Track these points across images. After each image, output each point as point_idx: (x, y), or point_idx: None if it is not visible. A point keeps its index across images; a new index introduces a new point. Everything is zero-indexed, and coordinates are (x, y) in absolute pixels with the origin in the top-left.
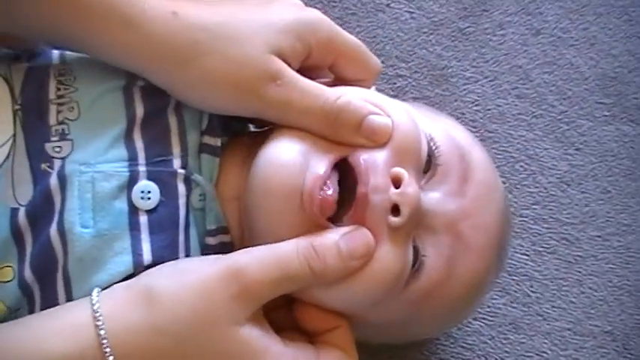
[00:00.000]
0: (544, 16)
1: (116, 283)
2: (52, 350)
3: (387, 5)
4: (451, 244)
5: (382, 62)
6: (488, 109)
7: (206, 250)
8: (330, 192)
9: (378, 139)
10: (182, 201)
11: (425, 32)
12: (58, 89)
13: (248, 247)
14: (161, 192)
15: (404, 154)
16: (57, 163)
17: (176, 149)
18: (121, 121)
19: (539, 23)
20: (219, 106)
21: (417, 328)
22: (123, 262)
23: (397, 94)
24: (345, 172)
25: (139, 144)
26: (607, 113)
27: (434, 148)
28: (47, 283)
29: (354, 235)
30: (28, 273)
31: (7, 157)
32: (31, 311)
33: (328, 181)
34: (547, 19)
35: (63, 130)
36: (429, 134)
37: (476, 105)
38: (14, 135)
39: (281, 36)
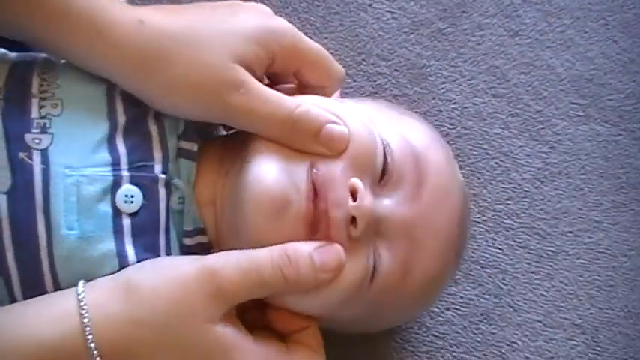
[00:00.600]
0: (522, 19)
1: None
2: (35, 335)
3: (369, 5)
4: (406, 249)
5: (363, 60)
6: (466, 107)
7: (184, 250)
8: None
9: (335, 148)
10: (163, 205)
11: (405, 32)
12: (42, 85)
13: (224, 247)
14: (144, 196)
15: (360, 164)
16: (36, 155)
17: (157, 155)
18: (103, 125)
19: (517, 25)
20: (187, 112)
21: (380, 321)
22: (110, 263)
23: (377, 91)
24: None
25: (122, 149)
26: (581, 114)
27: (389, 155)
28: (32, 279)
29: (327, 249)
30: (12, 266)
31: None
32: (12, 300)
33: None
34: (525, 21)
35: (45, 124)
36: (385, 141)
37: (453, 103)
38: None
39: (245, 44)
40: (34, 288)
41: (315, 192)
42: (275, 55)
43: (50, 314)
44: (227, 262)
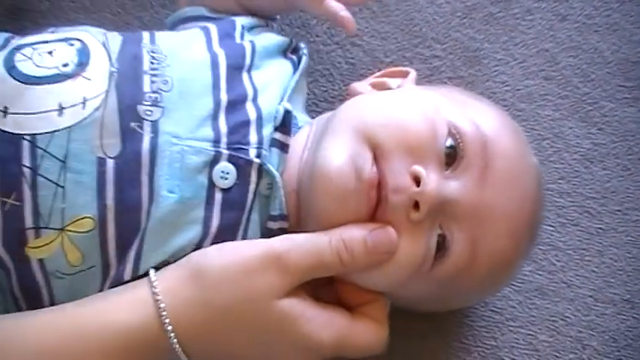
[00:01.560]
0: (570, 3)
1: (183, 252)
2: (117, 322)
3: None
4: (473, 230)
5: (419, 44)
6: (518, 90)
7: (266, 234)
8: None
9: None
10: (252, 187)
11: (459, 16)
12: (152, 62)
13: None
14: (237, 175)
15: (419, 153)
16: (146, 125)
17: (253, 139)
18: (208, 103)
19: (565, 10)
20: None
21: (449, 303)
22: (194, 230)
23: (433, 73)
24: None
25: (223, 128)
26: (628, 96)
27: (457, 138)
28: (127, 235)
29: (379, 232)
30: (111, 224)
31: (97, 109)
32: (105, 270)
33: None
34: (573, 5)
35: (156, 98)
36: (453, 124)
37: (506, 85)
38: (107, 91)
39: None
40: (123, 249)
41: (378, 180)
42: None
43: (129, 302)
44: (289, 245)
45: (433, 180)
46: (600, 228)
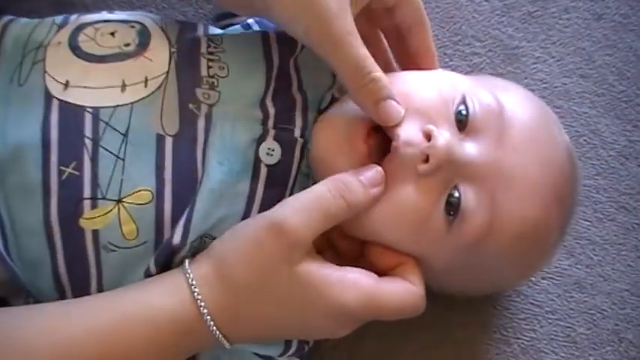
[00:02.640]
0: (606, 2)
1: (224, 223)
2: (157, 305)
3: None
4: (491, 191)
5: (459, 41)
6: (555, 87)
7: None
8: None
9: (386, 121)
10: (295, 165)
11: (498, 14)
12: (209, 47)
13: None
14: (282, 153)
15: (432, 116)
16: (203, 107)
17: (298, 122)
18: (260, 89)
19: (601, 9)
20: (292, 26)
21: (485, 278)
22: (239, 203)
23: (473, 70)
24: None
25: (272, 111)
26: None
27: (471, 105)
28: (181, 208)
29: (366, 168)
30: (167, 198)
31: (159, 87)
32: (156, 248)
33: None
34: (609, 5)
35: (213, 82)
36: (466, 93)
37: (544, 83)
38: (167, 72)
39: None
40: (175, 221)
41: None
42: None
43: (165, 288)
44: (290, 210)
45: (445, 136)
46: (636, 223)
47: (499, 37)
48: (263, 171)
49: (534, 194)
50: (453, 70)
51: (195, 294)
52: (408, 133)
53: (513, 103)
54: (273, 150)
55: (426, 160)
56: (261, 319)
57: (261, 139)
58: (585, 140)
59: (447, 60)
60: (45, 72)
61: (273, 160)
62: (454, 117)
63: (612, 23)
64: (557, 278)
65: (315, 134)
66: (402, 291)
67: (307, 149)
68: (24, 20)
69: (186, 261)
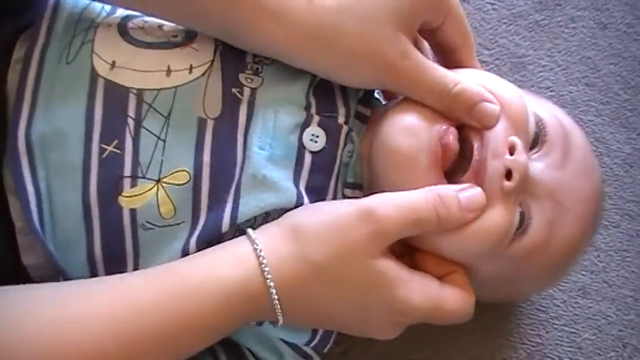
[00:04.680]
0: (611, 12)
1: (277, 209)
2: (221, 277)
3: None
4: (552, 211)
5: None
6: (561, 95)
7: None
8: (451, 138)
9: (486, 123)
10: (339, 152)
11: (505, 23)
12: None
13: None
14: (326, 140)
15: (516, 127)
16: (246, 91)
17: (341, 110)
18: (303, 79)
19: (606, 18)
20: (356, 80)
21: (518, 288)
22: (288, 190)
23: None
24: (462, 140)
25: (313, 100)
26: None
27: (541, 125)
28: (218, 191)
29: (471, 190)
30: (205, 180)
31: (203, 74)
32: (193, 227)
33: (451, 135)
34: (614, 14)
35: (257, 68)
36: (536, 113)
37: (550, 91)
38: (212, 61)
39: (405, 6)
40: (217, 203)
41: (470, 143)
42: (428, 6)
43: (231, 258)
44: (384, 201)
45: (525, 153)
46: None
47: (506, 45)
48: (307, 158)
49: (584, 218)
50: None
51: (263, 265)
52: (497, 142)
53: (570, 125)
54: (317, 136)
55: (508, 174)
56: (324, 303)
57: (305, 125)
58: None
59: None
60: (93, 52)
61: (317, 147)
62: (532, 134)
63: (617, 32)
64: (563, 284)
65: (388, 135)
66: (459, 298)
67: (350, 137)
68: (72, 1)
69: (249, 230)
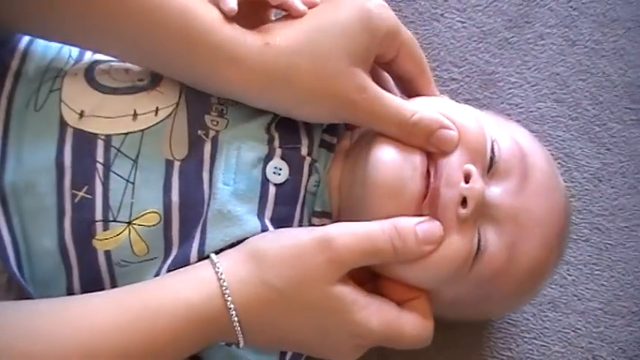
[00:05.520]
0: (579, 29)
1: (242, 240)
2: (182, 299)
3: (441, 15)
4: (511, 234)
5: (437, 67)
6: (531, 112)
7: None
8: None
9: (445, 149)
10: (304, 183)
11: (475, 40)
12: None
13: None
14: (289, 171)
15: (472, 153)
16: (211, 133)
17: (304, 140)
18: (267, 114)
19: (575, 35)
20: (316, 118)
21: (486, 308)
22: (251, 222)
23: (451, 96)
24: None
25: (276, 133)
26: (634, 117)
27: (496, 149)
28: (188, 228)
29: (429, 224)
30: (175, 218)
31: (169, 116)
32: (165, 259)
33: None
34: (582, 31)
35: (222, 109)
36: (493, 137)
37: (519, 107)
38: (177, 103)
39: (356, 41)
40: (186, 239)
41: (429, 172)
42: (381, 40)
43: (193, 281)
44: (342, 231)
45: (480, 180)
46: (609, 244)
47: (476, 62)
48: (271, 190)
49: (546, 238)
50: None
51: (224, 288)
52: (451, 170)
53: (529, 147)
54: (280, 169)
55: (464, 202)
56: (284, 326)
57: (267, 159)
58: (560, 163)
59: None
60: (61, 101)
61: (280, 179)
62: (488, 159)
63: (586, 49)
64: (533, 298)
65: (374, 171)
66: (417, 324)
67: (314, 168)
68: (43, 44)
69: (212, 254)
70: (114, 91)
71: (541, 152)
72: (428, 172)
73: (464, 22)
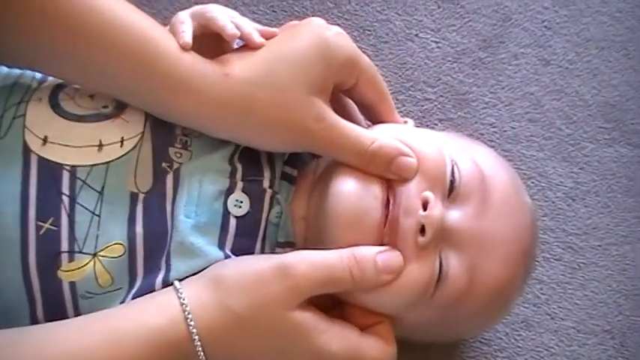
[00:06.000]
0: (553, 49)
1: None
2: (146, 323)
3: (416, 35)
4: (472, 257)
5: (411, 87)
6: (504, 131)
7: None
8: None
9: (405, 176)
10: (264, 215)
11: (449, 60)
12: None
13: None
14: (250, 204)
15: (431, 180)
16: (175, 165)
17: (267, 173)
18: (229, 147)
19: (549, 55)
20: (275, 147)
21: (453, 330)
22: (212, 251)
23: (424, 115)
24: None
25: (239, 165)
26: (607, 137)
27: (457, 173)
28: (153, 259)
29: (389, 254)
30: (139, 250)
31: (134, 147)
32: (130, 290)
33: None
34: (556, 51)
35: (186, 141)
36: (453, 160)
37: (493, 127)
38: (143, 133)
39: (313, 71)
40: (150, 272)
41: (388, 201)
42: (339, 69)
43: (156, 307)
44: (301, 259)
45: (439, 206)
46: (582, 262)
47: (450, 82)
48: (232, 223)
49: (508, 258)
50: (405, 115)
51: (186, 313)
52: (409, 199)
53: (490, 169)
54: (241, 202)
55: (422, 229)
56: (246, 350)
57: (229, 192)
58: (533, 182)
59: (400, 105)
60: (25, 127)
61: (241, 212)
62: (448, 184)
63: (559, 69)
64: (506, 317)
65: (334, 202)
66: (378, 348)
67: (276, 200)
68: (5, 70)
69: (176, 281)
70: (79, 118)
71: (503, 173)
72: (388, 200)
73: (438, 42)
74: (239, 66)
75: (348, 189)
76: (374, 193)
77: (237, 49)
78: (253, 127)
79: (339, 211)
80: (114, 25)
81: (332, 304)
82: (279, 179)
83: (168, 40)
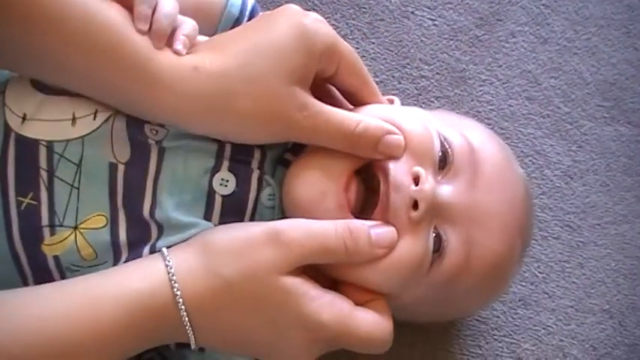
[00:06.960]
0: (551, 27)
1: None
2: (130, 287)
3: (412, 13)
4: (467, 231)
5: (407, 64)
6: (501, 109)
7: None
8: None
9: (393, 155)
10: (252, 195)
11: (445, 38)
12: None
13: None
14: (237, 184)
15: (419, 155)
16: (155, 140)
17: (257, 155)
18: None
19: (547, 33)
20: (258, 140)
21: (452, 308)
22: (202, 222)
23: (420, 93)
24: (371, 175)
25: (228, 145)
26: (606, 115)
27: (447, 147)
28: (137, 230)
29: (383, 228)
30: (122, 222)
31: (107, 120)
32: (116, 263)
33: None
34: (554, 29)
35: None
36: (442, 135)
37: (490, 105)
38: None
39: (292, 59)
40: (135, 247)
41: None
42: (319, 57)
43: (142, 271)
44: (294, 226)
45: (430, 181)
46: (580, 241)
47: (447, 60)
48: (218, 201)
49: (504, 230)
50: (401, 92)
51: (171, 275)
52: (397, 175)
53: (479, 142)
54: (227, 181)
55: (415, 204)
56: (235, 320)
57: (215, 170)
58: (531, 161)
59: (396, 83)
60: (4, 105)
61: (227, 191)
62: (437, 159)
63: (557, 47)
64: (503, 295)
65: (292, 185)
66: (372, 322)
67: (265, 180)
68: None
69: (164, 248)
70: (56, 92)
71: (493, 145)
72: (376, 178)
73: (434, 20)
74: (210, 59)
75: (304, 174)
76: (333, 177)
77: (210, 40)
78: (233, 121)
79: (297, 197)
80: (84, 18)
81: (327, 283)
82: (272, 162)
83: (140, 36)
